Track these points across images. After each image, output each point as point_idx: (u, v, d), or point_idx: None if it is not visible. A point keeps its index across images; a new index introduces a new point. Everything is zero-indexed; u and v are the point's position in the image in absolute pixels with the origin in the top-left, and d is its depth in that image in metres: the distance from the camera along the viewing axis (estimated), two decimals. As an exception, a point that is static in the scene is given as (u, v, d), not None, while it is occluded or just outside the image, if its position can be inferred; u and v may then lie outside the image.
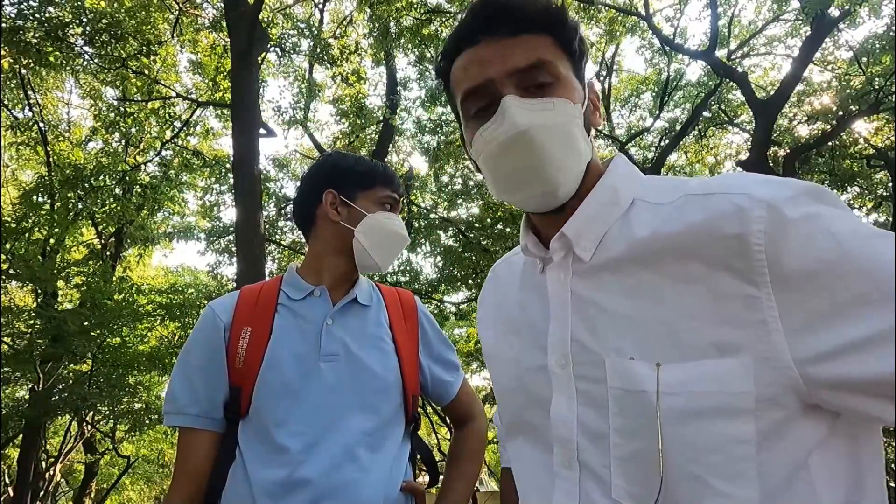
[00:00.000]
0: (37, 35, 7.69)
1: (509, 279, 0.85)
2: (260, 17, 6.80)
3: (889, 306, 0.51)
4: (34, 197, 9.54)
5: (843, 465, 0.58)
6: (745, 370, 0.56)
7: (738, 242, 0.57)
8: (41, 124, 10.15)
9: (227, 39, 7.76)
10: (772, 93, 8.10)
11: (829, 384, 0.54)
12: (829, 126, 7.91)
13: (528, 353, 0.74)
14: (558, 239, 0.70)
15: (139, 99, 9.96)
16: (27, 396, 9.37)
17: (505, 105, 0.65)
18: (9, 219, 8.71)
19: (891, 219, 8.73)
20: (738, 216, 0.57)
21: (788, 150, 7.95)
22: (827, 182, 9.41)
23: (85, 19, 8.11)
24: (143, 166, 10.93)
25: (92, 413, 10.34)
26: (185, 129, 10.60)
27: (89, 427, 11.07)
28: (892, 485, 11.05)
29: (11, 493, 9.65)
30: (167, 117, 10.33)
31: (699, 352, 0.58)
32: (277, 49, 9.52)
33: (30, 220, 9.12)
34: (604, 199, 0.69)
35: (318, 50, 8.97)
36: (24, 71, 9.38)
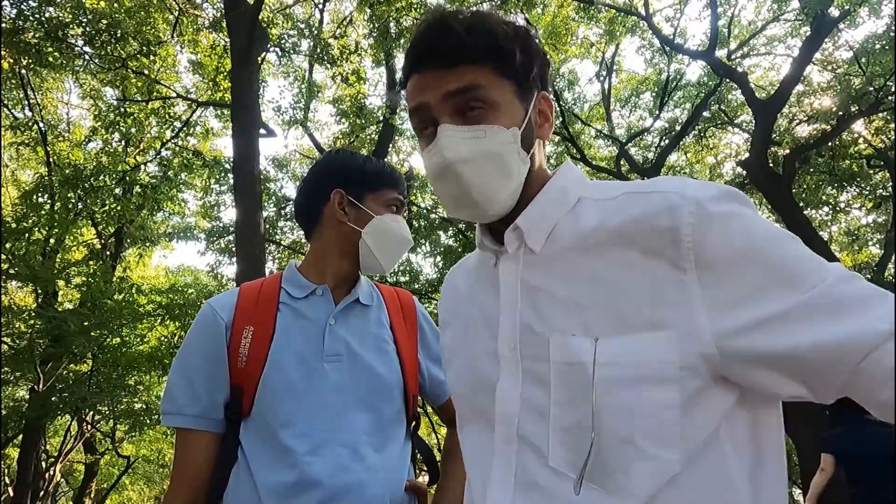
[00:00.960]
0: (37, 35, 7.69)
1: (463, 281, 0.91)
2: (260, 17, 6.80)
3: (788, 291, 0.61)
4: (34, 197, 9.54)
5: (746, 434, 0.66)
6: (671, 343, 0.63)
7: (671, 234, 0.65)
8: (41, 124, 10.15)
9: (227, 39, 7.76)
10: (772, 93, 8.10)
11: (739, 357, 0.62)
12: (829, 126, 7.91)
13: (481, 341, 0.79)
14: (512, 230, 0.76)
15: (139, 99, 9.96)
16: (27, 396, 9.37)
17: (439, 135, 0.73)
18: (9, 219, 8.70)
19: (891, 219, 8.74)
20: (671, 212, 0.65)
21: (788, 150, 7.95)
22: (827, 182, 9.41)
23: (85, 19, 8.11)
24: (143, 166, 10.93)
25: (92, 413, 10.34)
26: (185, 129, 10.60)
27: (89, 427, 11.07)
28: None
29: (11, 493, 9.65)
30: (167, 117, 10.33)
31: (633, 327, 0.65)
32: (277, 49, 9.52)
33: (30, 220, 9.11)
34: (553, 197, 0.77)
35: (318, 50, 8.97)
36: (23, 71, 9.38)
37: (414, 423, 1.31)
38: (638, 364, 0.64)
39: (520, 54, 0.74)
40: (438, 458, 1.39)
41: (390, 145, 10.92)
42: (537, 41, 0.78)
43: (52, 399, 8.18)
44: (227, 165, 10.24)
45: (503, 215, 0.76)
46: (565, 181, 0.78)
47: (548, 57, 0.79)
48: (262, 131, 7.27)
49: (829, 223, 11.65)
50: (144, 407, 9.61)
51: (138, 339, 9.67)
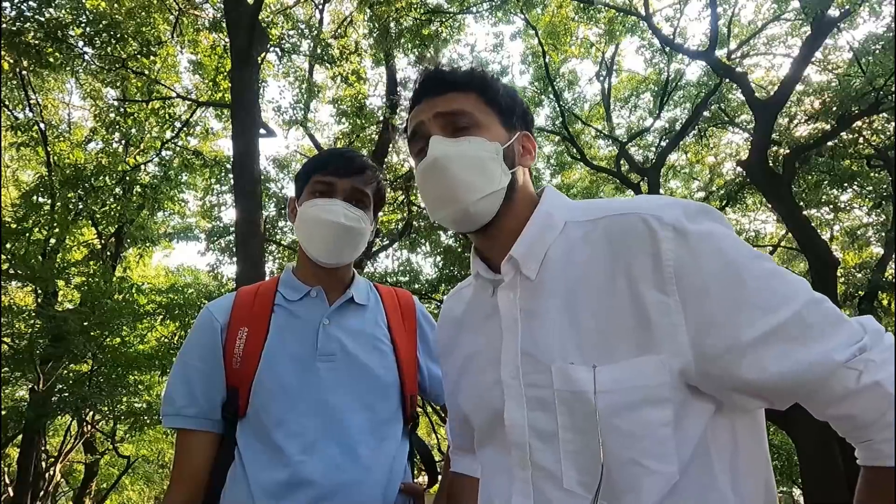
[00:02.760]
0: (37, 36, 7.69)
1: (461, 310, 0.97)
2: (260, 17, 6.80)
3: (760, 316, 0.66)
4: (34, 197, 9.54)
5: (726, 437, 0.72)
6: (662, 365, 0.69)
7: (653, 259, 0.70)
8: (41, 124, 10.15)
9: (227, 39, 7.76)
10: (772, 93, 8.10)
11: (713, 379, 0.69)
12: (829, 126, 7.91)
13: (485, 370, 0.84)
14: (507, 262, 0.82)
15: (139, 99, 9.96)
16: (27, 396, 9.37)
17: (430, 142, 0.83)
18: (9, 219, 8.70)
19: (891, 219, 8.73)
20: (651, 236, 0.71)
21: (788, 150, 7.95)
22: (826, 182, 9.41)
23: (85, 20, 8.11)
24: (143, 166, 10.92)
25: (92, 413, 10.33)
26: (185, 129, 10.60)
27: (89, 427, 11.07)
28: (893, 485, 11.06)
29: (11, 493, 9.65)
30: (167, 117, 10.33)
31: (626, 353, 0.70)
32: (277, 49, 9.52)
33: (30, 220, 9.11)
34: (541, 223, 0.82)
35: (319, 50, 8.96)
36: (24, 72, 9.38)
37: (412, 423, 1.30)
38: (635, 389, 0.69)
39: (503, 92, 0.87)
40: (438, 459, 1.39)
41: (390, 145, 10.92)
42: (521, 100, 0.90)
43: (52, 399, 8.17)
44: (227, 165, 10.23)
45: (483, 221, 0.83)
46: (550, 207, 0.84)
47: (530, 111, 0.92)
48: (262, 131, 7.26)
49: (829, 223, 11.65)
50: (144, 407, 9.62)
51: (138, 339, 9.67)
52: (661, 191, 10.60)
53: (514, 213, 0.84)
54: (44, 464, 10.65)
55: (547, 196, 0.87)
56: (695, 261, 0.69)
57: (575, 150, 10.94)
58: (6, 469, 11.31)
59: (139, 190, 10.67)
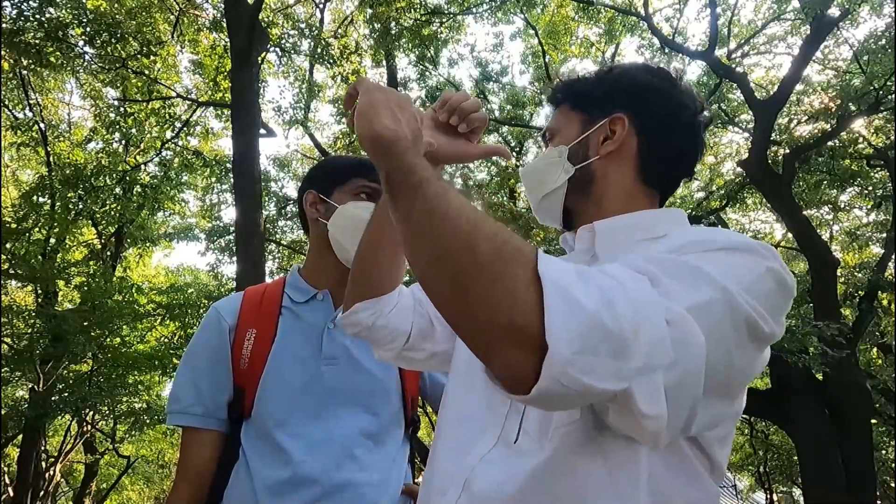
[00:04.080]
0: (37, 36, 7.69)
1: None
2: (260, 17, 6.80)
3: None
4: (34, 197, 9.53)
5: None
6: None
7: None
8: (41, 124, 10.15)
9: (227, 39, 7.76)
10: (772, 92, 8.10)
11: None
12: (829, 126, 7.91)
13: None
14: (587, 230, 0.85)
15: (139, 99, 9.96)
16: (27, 396, 9.36)
17: None
18: (9, 219, 8.70)
19: (891, 218, 8.73)
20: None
21: (788, 150, 7.94)
22: (826, 182, 9.40)
23: (85, 20, 8.10)
24: (143, 166, 10.92)
25: (92, 413, 10.33)
26: (185, 129, 10.60)
27: (89, 427, 11.07)
28: (894, 485, 11.05)
29: (11, 493, 9.65)
30: (167, 117, 10.33)
31: None
32: (277, 49, 9.52)
33: (30, 220, 9.11)
34: (638, 222, 0.83)
35: (319, 50, 8.96)
36: (24, 72, 9.38)
37: (413, 426, 1.31)
38: None
39: (589, 88, 0.90)
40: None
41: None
42: (634, 76, 0.90)
43: (52, 399, 8.17)
44: (227, 165, 10.23)
45: (556, 216, 0.91)
46: (662, 216, 0.85)
47: (657, 81, 0.89)
48: (262, 131, 7.26)
49: (829, 223, 11.65)
50: (144, 407, 9.61)
51: (138, 339, 9.67)
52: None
53: (598, 206, 0.86)
54: (44, 464, 10.65)
55: (666, 209, 0.88)
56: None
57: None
58: (6, 469, 11.30)
59: (139, 190, 10.67)
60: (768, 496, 13.55)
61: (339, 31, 10.57)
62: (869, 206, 10.12)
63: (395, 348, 0.95)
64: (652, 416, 0.53)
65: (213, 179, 11.09)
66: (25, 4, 7.52)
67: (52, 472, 10.64)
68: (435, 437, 0.86)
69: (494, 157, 1.00)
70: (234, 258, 8.03)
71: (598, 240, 0.83)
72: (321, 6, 10.36)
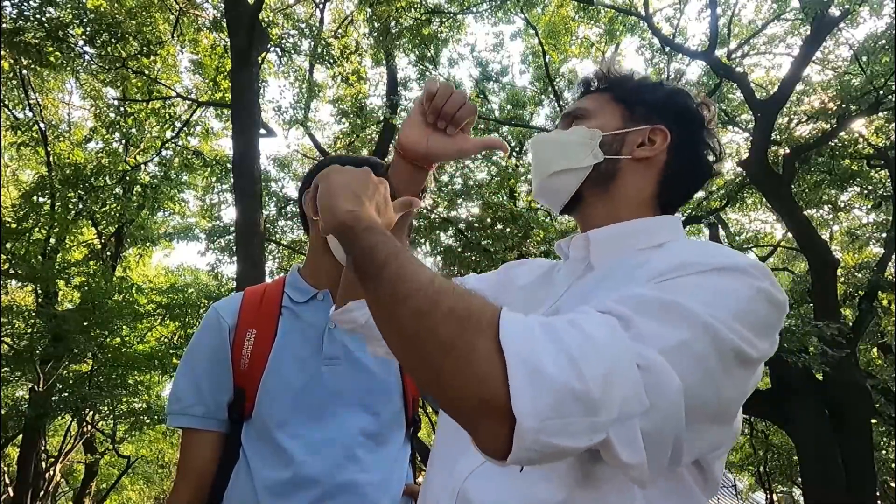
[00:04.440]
0: (37, 35, 7.69)
1: (537, 266, 0.98)
2: (260, 16, 6.80)
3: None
4: (34, 197, 9.54)
5: None
6: None
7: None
8: (41, 124, 10.15)
9: (228, 39, 7.76)
10: (772, 92, 8.10)
11: None
12: (829, 126, 7.91)
13: None
14: (582, 239, 0.84)
15: (139, 99, 9.96)
16: (27, 396, 9.37)
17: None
18: (9, 219, 8.70)
19: (891, 218, 8.73)
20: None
21: (788, 150, 7.94)
22: (826, 182, 9.40)
23: (85, 20, 8.10)
24: (143, 166, 10.93)
25: (92, 413, 10.33)
26: (185, 129, 10.60)
27: (89, 427, 11.07)
28: (894, 485, 11.05)
29: (11, 493, 9.65)
30: (167, 117, 10.33)
31: None
32: (277, 49, 9.52)
33: (30, 220, 9.12)
34: (635, 229, 0.82)
35: (319, 50, 8.96)
36: (24, 71, 9.38)
37: (414, 426, 1.31)
38: None
39: (639, 88, 0.90)
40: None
41: (390, 145, 10.92)
42: (687, 102, 0.89)
43: (52, 399, 8.17)
44: (228, 165, 10.23)
45: (561, 196, 0.87)
46: (660, 224, 0.84)
47: (699, 114, 0.88)
48: (262, 131, 7.26)
49: (829, 223, 11.65)
50: (144, 407, 9.61)
51: (138, 339, 9.67)
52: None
53: (610, 205, 0.85)
54: (44, 464, 10.65)
55: (663, 217, 0.86)
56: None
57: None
58: (6, 469, 11.31)
59: (139, 190, 10.67)
60: (768, 496, 13.55)
61: (339, 31, 10.57)
62: (869, 206, 10.12)
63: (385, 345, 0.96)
64: (632, 464, 0.53)
65: (213, 179, 11.09)
66: (26, 4, 7.52)
67: (52, 472, 10.64)
68: (432, 447, 0.86)
69: (494, 157, 0.99)
70: (234, 258, 8.03)
71: (594, 249, 0.82)
72: (321, 6, 10.36)
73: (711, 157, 0.89)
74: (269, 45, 8.68)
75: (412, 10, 8.86)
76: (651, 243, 0.80)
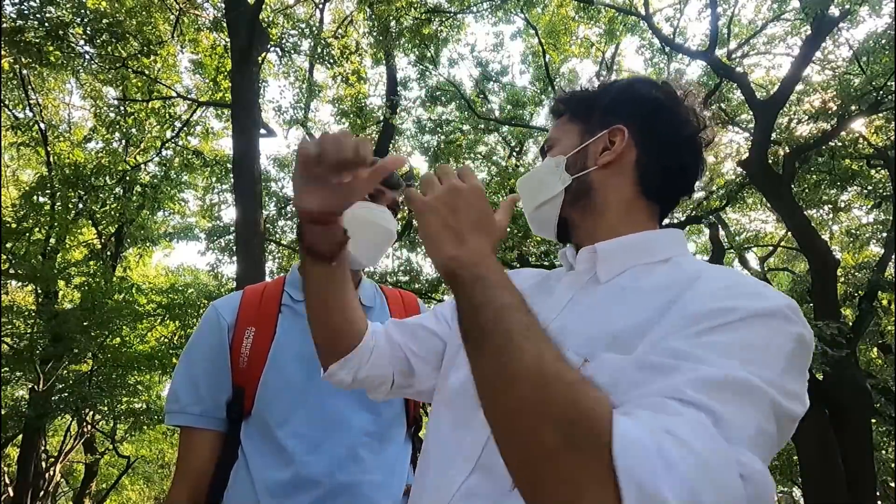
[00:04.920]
0: (37, 35, 7.69)
1: (526, 283, 0.96)
2: (260, 17, 6.80)
3: (687, 340, 0.61)
4: (34, 197, 9.54)
5: None
6: (622, 361, 0.65)
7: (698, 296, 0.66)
8: (41, 124, 10.15)
9: (228, 39, 7.76)
10: (772, 92, 8.10)
11: None
12: (829, 126, 7.91)
13: None
14: (589, 251, 0.83)
15: (139, 99, 9.96)
16: (27, 396, 9.37)
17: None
18: (9, 219, 8.70)
19: (891, 218, 8.73)
20: (723, 291, 0.67)
21: (788, 150, 7.94)
22: (826, 182, 9.40)
23: (85, 19, 8.10)
24: (143, 166, 10.93)
25: (92, 413, 10.33)
26: (185, 128, 10.60)
27: (89, 427, 11.07)
28: (893, 484, 11.05)
29: (11, 493, 9.65)
30: (167, 117, 10.33)
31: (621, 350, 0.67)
32: (277, 49, 9.52)
33: (30, 220, 9.12)
34: (639, 243, 0.82)
35: (319, 50, 8.97)
36: (24, 71, 9.38)
37: (415, 425, 1.31)
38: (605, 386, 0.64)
39: (597, 102, 0.89)
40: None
41: (390, 145, 10.92)
42: (638, 90, 0.89)
43: (52, 399, 8.18)
44: (228, 165, 10.24)
45: (550, 226, 0.89)
46: (663, 237, 0.83)
47: (657, 96, 0.88)
48: (262, 131, 7.26)
49: (829, 223, 11.65)
50: (144, 407, 9.61)
51: (138, 339, 9.67)
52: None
53: (595, 217, 0.85)
54: (44, 464, 10.65)
55: (666, 230, 0.85)
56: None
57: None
58: (6, 469, 11.31)
59: (139, 190, 10.68)
60: (768, 496, 13.51)
61: (339, 31, 10.57)
62: (869, 206, 10.12)
63: (384, 391, 0.96)
64: None
65: (213, 179, 11.09)
66: (26, 3, 7.52)
67: (52, 472, 10.65)
68: (424, 449, 0.86)
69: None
70: (234, 258, 8.03)
71: (601, 262, 0.81)
72: (321, 6, 10.37)
73: (691, 130, 0.86)
74: (269, 45, 8.68)
75: (412, 9, 8.86)
76: (656, 257, 0.80)
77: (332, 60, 8.98)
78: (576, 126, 0.89)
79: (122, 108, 10.17)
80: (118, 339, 8.75)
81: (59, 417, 10.47)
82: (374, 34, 9.21)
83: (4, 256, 7.97)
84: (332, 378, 0.93)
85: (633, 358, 0.64)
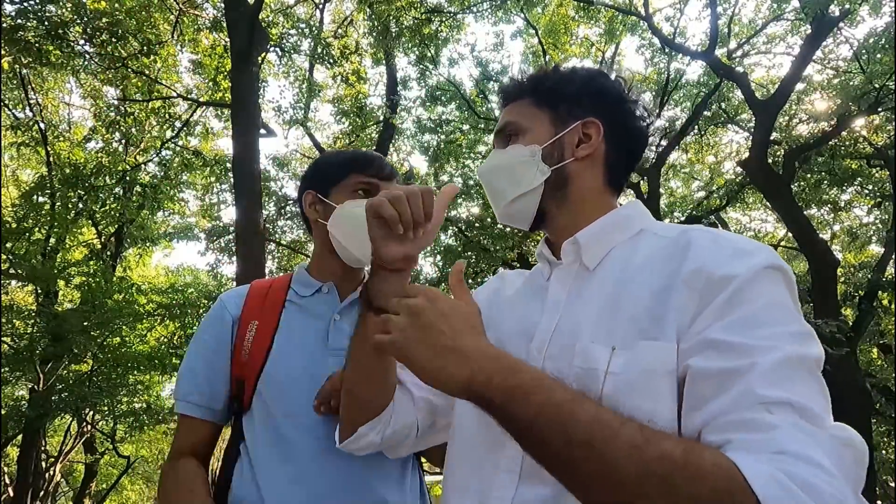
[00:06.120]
0: (37, 34, 7.68)
1: (515, 280, 0.98)
2: (260, 17, 6.80)
3: (740, 331, 0.63)
4: (34, 197, 9.54)
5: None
6: (662, 350, 0.67)
7: (722, 284, 0.67)
8: (41, 124, 10.15)
9: (228, 39, 7.76)
10: (772, 92, 8.10)
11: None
12: (829, 126, 7.91)
13: (514, 338, 0.83)
14: (571, 244, 0.84)
15: (139, 99, 9.96)
16: (27, 396, 9.37)
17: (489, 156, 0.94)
18: (9, 219, 8.70)
19: (891, 218, 8.73)
20: (712, 250, 0.71)
21: (788, 150, 7.95)
22: (826, 182, 9.41)
23: (85, 18, 8.10)
24: (143, 166, 10.93)
25: (92, 413, 10.34)
26: (185, 128, 10.60)
27: (89, 427, 11.07)
28: (893, 484, 11.05)
29: (11, 493, 9.65)
30: (167, 117, 10.33)
31: (637, 337, 0.70)
32: (277, 49, 9.52)
33: (30, 220, 9.12)
34: (614, 221, 0.85)
35: (319, 50, 8.96)
36: (24, 71, 9.37)
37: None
38: (642, 373, 0.67)
39: (557, 85, 0.89)
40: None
41: (390, 145, 10.92)
42: (602, 82, 0.90)
43: (52, 399, 8.17)
44: (228, 165, 10.24)
45: (527, 218, 0.89)
46: (632, 211, 0.87)
47: (617, 89, 0.90)
48: (262, 131, 7.26)
49: (829, 223, 11.65)
50: (144, 407, 9.61)
51: (138, 339, 9.67)
52: (661, 190, 10.59)
53: (572, 209, 0.87)
54: (44, 464, 10.65)
55: (629, 203, 0.89)
56: (748, 298, 0.66)
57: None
58: (6, 469, 11.30)
59: (139, 190, 10.67)
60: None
61: (339, 31, 10.57)
62: (869, 206, 10.13)
63: (409, 444, 0.96)
64: None
65: (213, 179, 11.09)
66: (26, 3, 7.52)
67: (52, 472, 10.65)
68: (451, 442, 0.87)
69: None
70: (234, 258, 8.03)
71: (585, 250, 0.83)
72: (321, 6, 10.36)
73: (642, 123, 0.91)
74: (269, 45, 8.68)
75: (412, 9, 8.86)
76: (631, 231, 0.84)
77: (332, 60, 8.98)
78: (544, 114, 0.89)
79: (121, 107, 10.17)
80: (118, 339, 8.75)
81: (59, 417, 10.47)
82: (374, 34, 9.21)
83: (4, 256, 7.97)
84: (361, 441, 0.92)
85: (674, 350, 0.66)
